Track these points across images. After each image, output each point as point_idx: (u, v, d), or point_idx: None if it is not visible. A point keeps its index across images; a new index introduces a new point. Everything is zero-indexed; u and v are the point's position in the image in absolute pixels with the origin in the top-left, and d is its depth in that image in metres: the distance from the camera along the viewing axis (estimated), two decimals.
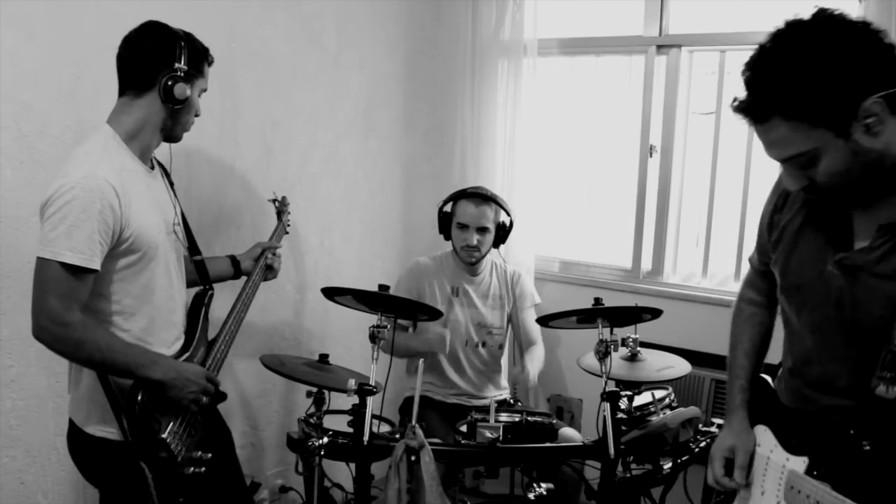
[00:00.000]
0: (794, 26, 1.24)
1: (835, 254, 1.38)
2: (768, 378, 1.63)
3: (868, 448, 1.30)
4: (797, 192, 1.44)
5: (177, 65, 1.80)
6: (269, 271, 2.37)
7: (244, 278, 2.29)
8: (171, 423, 1.81)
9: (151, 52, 1.80)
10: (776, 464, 1.46)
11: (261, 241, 2.46)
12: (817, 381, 1.46)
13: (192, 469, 1.84)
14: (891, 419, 1.30)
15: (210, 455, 1.89)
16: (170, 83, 1.78)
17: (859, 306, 1.35)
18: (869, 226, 1.35)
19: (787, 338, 1.55)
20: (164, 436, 1.78)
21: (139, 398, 1.74)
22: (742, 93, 1.30)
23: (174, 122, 1.86)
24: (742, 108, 1.29)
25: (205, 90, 1.93)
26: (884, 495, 1.21)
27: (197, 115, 1.94)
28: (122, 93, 1.84)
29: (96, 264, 1.68)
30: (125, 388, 1.76)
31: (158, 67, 1.79)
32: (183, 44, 1.82)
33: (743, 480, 1.51)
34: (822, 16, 1.24)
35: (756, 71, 1.26)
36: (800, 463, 1.40)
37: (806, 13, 1.25)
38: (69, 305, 1.65)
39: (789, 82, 1.21)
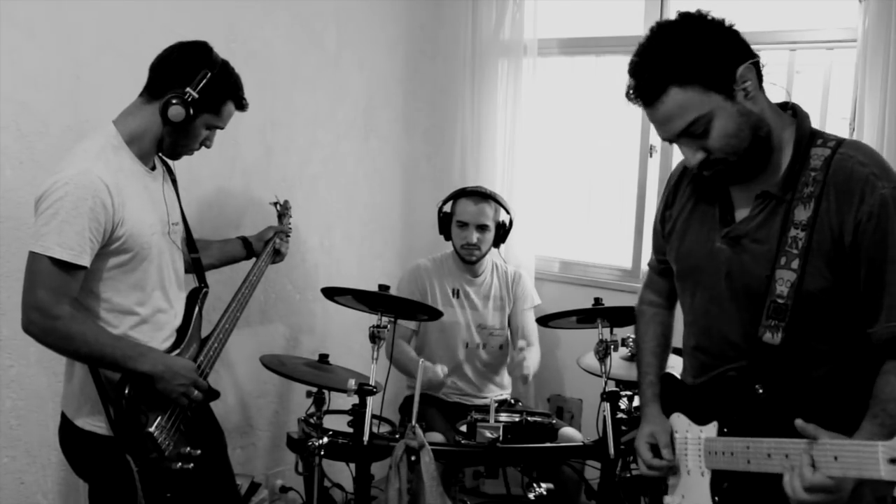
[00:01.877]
0: (669, 22, 1.44)
1: (721, 230, 1.52)
2: (674, 373, 1.73)
3: (761, 391, 1.44)
4: (684, 188, 1.63)
5: (188, 89, 1.79)
6: (277, 255, 2.43)
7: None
8: (159, 418, 1.81)
9: (173, 67, 1.81)
10: (693, 439, 1.56)
11: (272, 224, 2.49)
12: (717, 348, 1.56)
13: (179, 464, 1.84)
14: (778, 363, 1.44)
15: (199, 451, 1.89)
16: (174, 101, 1.78)
17: (745, 271, 1.48)
18: (746, 197, 1.50)
19: (686, 321, 1.66)
20: (150, 429, 1.78)
21: (126, 391, 1.75)
22: (632, 84, 1.45)
23: (171, 141, 1.86)
24: (639, 88, 1.43)
25: (219, 128, 1.92)
26: (781, 433, 1.31)
27: (207, 147, 1.94)
28: (140, 93, 1.85)
29: (86, 261, 1.68)
30: (115, 382, 1.76)
31: (171, 83, 1.80)
32: (208, 73, 1.81)
33: (671, 456, 1.60)
34: (690, 15, 1.43)
35: (646, 58, 1.42)
36: (711, 429, 1.52)
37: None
38: (58, 299, 1.66)
39: (680, 53, 1.38)
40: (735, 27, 1.44)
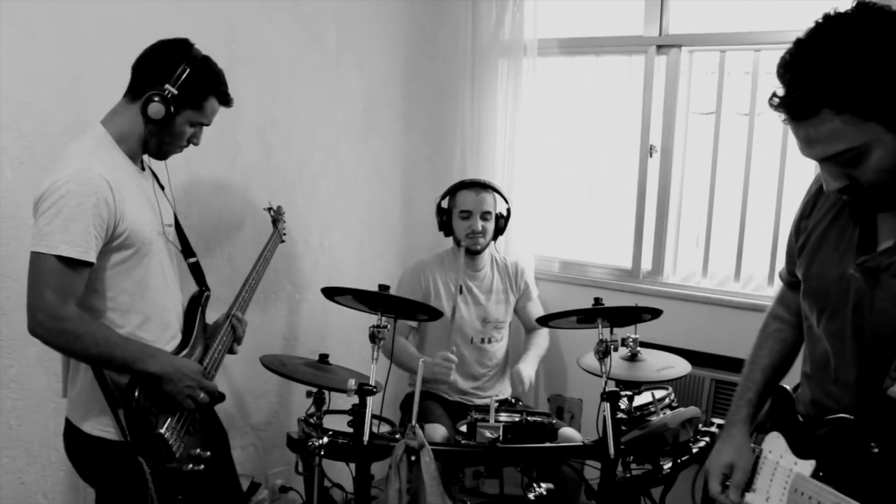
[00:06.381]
0: (837, 19, 1.18)
1: (857, 257, 1.35)
2: (788, 387, 1.59)
3: (877, 450, 1.28)
4: (826, 198, 1.42)
5: (167, 86, 1.77)
6: (234, 334, 2.15)
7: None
8: (169, 419, 1.81)
9: (153, 65, 1.80)
10: (784, 468, 1.44)
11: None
12: (832, 386, 1.44)
13: (190, 466, 1.84)
14: None
15: (209, 453, 1.89)
16: (154, 99, 1.76)
17: (879, 310, 1.31)
18: (894, 228, 1.31)
19: (806, 344, 1.53)
20: (161, 431, 1.78)
21: (136, 394, 1.74)
22: (780, 89, 1.22)
23: (156, 140, 1.84)
24: (786, 103, 1.21)
25: (204, 124, 1.89)
26: (891, 498, 1.20)
27: (195, 144, 1.92)
28: (125, 94, 1.84)
29: (92, 257, 1.68)
30: (122, 386, 1.76)
31: (151, 82, 1.78)
32: (187, 69, 1.79)
33: (738, 499, 1.49)
34: (867, 8, 1.18)
35: (800, 64, 1.18)
36: (807, 466, 1.39)
37: (844, 7, 1.19)
38: (65, 299, 1.65)
39: (841, 73, 1.14)
40: None
